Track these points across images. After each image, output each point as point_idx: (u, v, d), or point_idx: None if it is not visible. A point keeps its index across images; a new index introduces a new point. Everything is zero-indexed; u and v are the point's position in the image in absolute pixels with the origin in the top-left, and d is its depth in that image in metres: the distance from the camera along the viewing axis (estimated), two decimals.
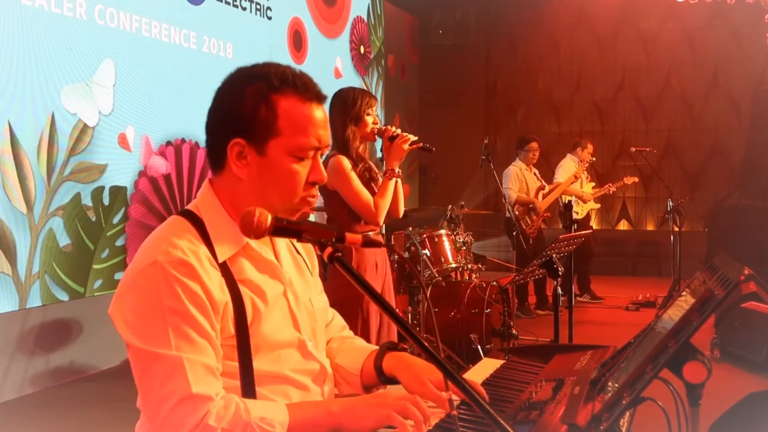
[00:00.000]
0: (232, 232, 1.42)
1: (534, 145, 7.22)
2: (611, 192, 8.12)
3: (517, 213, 6.89)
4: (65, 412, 4.28)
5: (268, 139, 1.40)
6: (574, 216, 7.60)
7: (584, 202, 7.78)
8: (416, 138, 3.36)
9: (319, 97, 1.45)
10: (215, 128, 1.46)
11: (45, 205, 4.61)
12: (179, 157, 5.79)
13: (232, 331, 1.37)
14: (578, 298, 7.74)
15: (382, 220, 3.32)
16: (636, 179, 8.06)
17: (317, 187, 1.47)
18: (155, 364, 1.29)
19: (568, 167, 7.67)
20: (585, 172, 7.89)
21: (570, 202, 4.78)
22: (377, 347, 1.65)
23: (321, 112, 1.45)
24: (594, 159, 7.81)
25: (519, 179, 7.08)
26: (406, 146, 3.30)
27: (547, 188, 7.28)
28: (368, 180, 3.36)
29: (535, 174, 7.26)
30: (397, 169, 3.33)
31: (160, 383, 1.28)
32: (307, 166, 1.44)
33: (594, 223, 8.08)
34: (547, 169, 10.12)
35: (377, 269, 3.38)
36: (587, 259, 7.79)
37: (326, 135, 1.45)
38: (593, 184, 8.02)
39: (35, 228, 4.55)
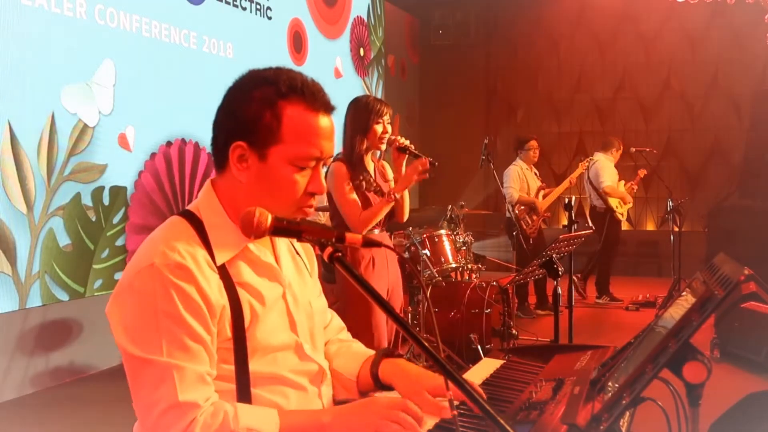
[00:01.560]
0: (231, 234, 1.42)
1: (534, 143, 7.21)
2: (635, 189, 8.05)
3: (517, 212, 6.89)
4: (65, 412, 4.28)
5: (269, 145, 1.39)
6: (620, 218, 7.63)
7: (626, 203, 7.73)
8: (425, 158, 3.43)
9: (327, 108, 1.43)
10: (220, 128, 1.45)
11: (45, 205, 4.61)
12: (179, 157, 5.79)
13: (228, 335, 1.37)
14: (597, 300, 7.73)
15: (364, 232, 3.36)
16: (645, 171, 7.96)
17: (316, 198, 1.46)
18: (146, 369, 1.29)
19: (608, 168, 7.59)
20: (616, 171, 7.87)
21: (570, 201, 4.76)
22: (374, 352, 1.66)
23: (327, 123, 1.43)
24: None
25: (520, 178, 7.08)
26: (415, 177, 3.38)
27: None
28: (363, 190, 3.42)
29: (535, 174, 7.26)
30: (398, 195, 3.41)
31: (150, 389, 1.28)
32: (307, 175, 1.42)
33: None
34: (547, 169, 10.16)
35: (374, 265, 3.41)
36: (611, 261, 7.77)
37: (330, 146, 1.43)
38: (623, 182, 7.95)
39: (35, 228, 4.55)
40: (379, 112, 3.42)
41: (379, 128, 3.42)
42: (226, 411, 1.29)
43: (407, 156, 3.50)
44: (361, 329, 3.28)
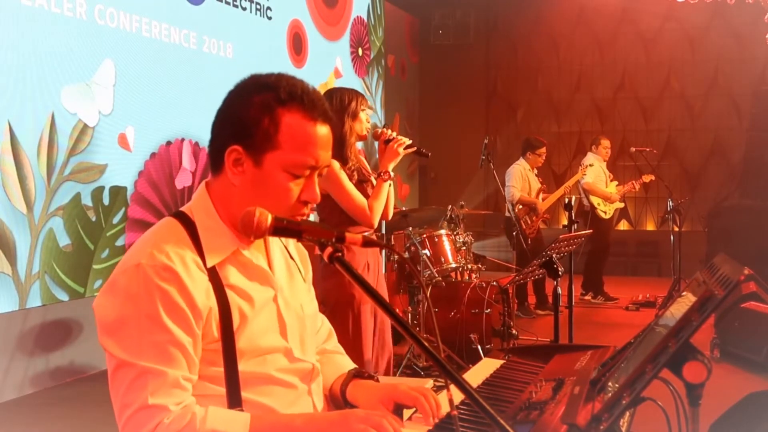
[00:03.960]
0: (223, 237, 1.43)
1: (544, 149, 7.22)
2: (636, 189, 8.03)
3: (517, 212, 6.89)
4: (65, 412, 4.28)
5: (266, 150, 1.39)
6: (603, 216, 7.62)
7: (611, 202, 7.73)
8: (410, 142, 3.33)
9: (325, 117, 1.43)
10: (218, 131, 1.46)
11: (45, 205, 4.62)
12: (179, 157, 5.79)
13: (216, 336, 1.37)
14: (593, 301, 7.73)
15: (376, 222, 3.28)
16: (652, 177, 7.94)
17: (309, 205, 1.46)
18: (123, 370, 1.31)
19: (595, 168, 7.61)
20: (608, 172, 7.84)
21: (570, 201, 4.76)
22: (350, 369, 1.66)
23: (325, 132, 1.43)
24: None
25: (523, 178, 7.07)
26: (401, 150, 3.27)
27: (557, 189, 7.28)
28: (359, 181, 3.31)
29: (536, 175, 7.26)
30: (391, 171, 3.29)
31: (124, 390, 1.30)
32: (300, 184, 1.42)
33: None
34: (547, 169, 10.15)
35: (369, 269, 3.36)
36: (601, 261, 7.77)
37: (326, 156, 1.44)
38: (616, 183, 7.95)
39: (35, 228, 4.55)
40: (361, 102, 3.34)
41: (363, 116, 3.34)
42: (194, 413, 1.29)
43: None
44: (346, 339, 3.19)
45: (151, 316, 1.31)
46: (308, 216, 1.47)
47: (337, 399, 1.60)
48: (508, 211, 6.80)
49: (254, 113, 1.39)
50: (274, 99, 1.40)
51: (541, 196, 7.15)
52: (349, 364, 1.70)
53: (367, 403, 1.53)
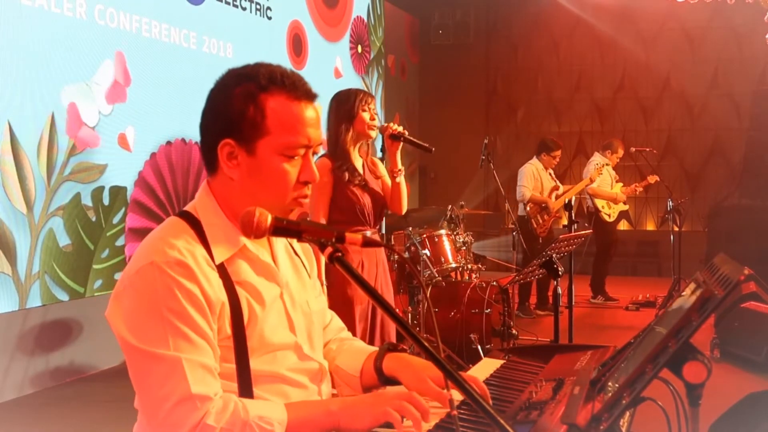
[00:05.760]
0: (229, 233, 1.43)
1: (559, 152, 7.20)
2: (638, 191, 8.05)
3: (528, 211, 6.89)
4: (65, 412, 4.28)
5: (256, 138, 1.40)
6: (606, 219, 7.61)
7: (616, 203, 7.71)
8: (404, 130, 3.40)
9: (309, 96, 1.45)
10: (207, 129, 1.46)
11: (45, 205, 4.61)
12: (179, 157, 5.79)
13: (228, 332, 1.37)
14: (592, 300, 7.73)
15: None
16: (657, 178, 7.94)
17: (310, 186, 1.47)
18: (154, 364, 1.29)
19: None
20: (615, 173, 7.82)
21: (570, 201, 4.76)
22: (377, 348, 1.66)
23: (311, 111, 1.44)
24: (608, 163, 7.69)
25: (535, 178, 7.06)
26: (388, 142, 3.35)
27: (561, 189, 7.24)
28: (346, 182, 3.30)
29: (550, 174, 7.23)
30: (401, 167, 3.35)
31: (159, 384, 1.28)
32: (297, 165, 1.43)
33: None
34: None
35: (363, 268, 3.34)
36: (605, 262, 7.77)
37: (317, 133, 1.45)
38: (621, 184, 7.92)
39: (35, 228, 4.55)
40: (363, 100, 3.32)
41: (366, 115, 3.31)
42: (236, 402, 1.31)
43: (401, 144, 3.39)
44: None
45: (174, 309, 1.31)
46: (308, 199, 1.48)
47: (372, 377, 1.59)
48: (514, 211, 6.79)
49: (238, 104, 1.40)
50: (256, 87, 1.41)
51: (554, 195, 7.13)
52: (368, 347, 1.70)
53: (410, 375, 1.52)
